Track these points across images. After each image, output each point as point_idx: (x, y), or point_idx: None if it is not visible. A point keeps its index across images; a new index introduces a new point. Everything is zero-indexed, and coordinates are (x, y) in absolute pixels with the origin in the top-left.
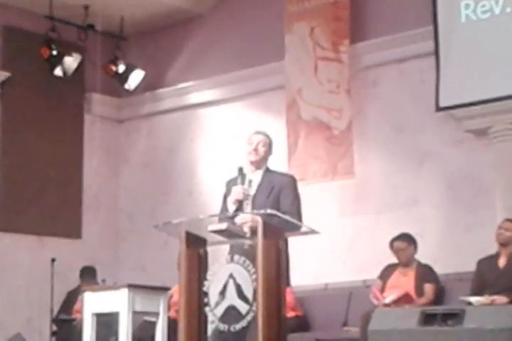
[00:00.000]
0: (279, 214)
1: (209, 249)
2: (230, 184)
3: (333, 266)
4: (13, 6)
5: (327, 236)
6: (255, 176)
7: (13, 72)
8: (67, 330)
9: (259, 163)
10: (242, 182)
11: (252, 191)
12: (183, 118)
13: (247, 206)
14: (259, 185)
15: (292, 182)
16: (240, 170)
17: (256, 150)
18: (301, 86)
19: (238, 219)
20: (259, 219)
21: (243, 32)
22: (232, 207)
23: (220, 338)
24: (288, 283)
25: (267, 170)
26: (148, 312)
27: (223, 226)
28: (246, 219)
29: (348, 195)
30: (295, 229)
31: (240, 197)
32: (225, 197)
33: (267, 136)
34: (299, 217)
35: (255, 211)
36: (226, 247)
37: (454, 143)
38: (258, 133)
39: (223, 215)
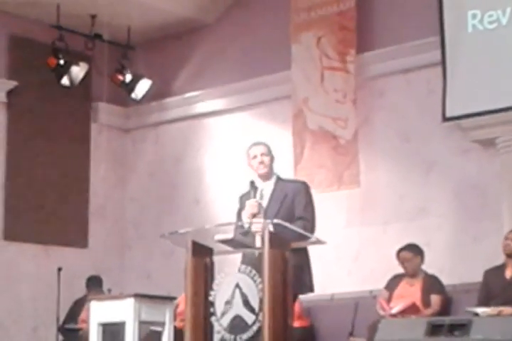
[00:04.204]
0: (286, 224)
1: (215, 258)
2: (243, 199)
3: (340, 276)
4: (20, 15)
5: (333, 246)
6: (267, 187)
7: (20, 81)
8: (73, 340)
9: (268, 173)
10: (255, 196)
11: (265, 202)
12: (190, 128)
13: (260, 218)
14: (272, 195)
15: (305, 187)
16: (252, 183)
17: (262, 162)
18: (307, 95)
19: (254, 227)
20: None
21: (250, 41)
22: (247, 222)
23: None
24: (312, 289)
25: (279, 179)
26: (155, 321)
27: (230, 236)
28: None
29: (355, 204)
30: (305, 238)
31: (255, 210)
32: (239, 212)
33: (265, 144)
34: (313, 222)
35: (263, 220)
36: (233, 257)
37: (460, 153)
38: (254, 144)
39: (237, 224)
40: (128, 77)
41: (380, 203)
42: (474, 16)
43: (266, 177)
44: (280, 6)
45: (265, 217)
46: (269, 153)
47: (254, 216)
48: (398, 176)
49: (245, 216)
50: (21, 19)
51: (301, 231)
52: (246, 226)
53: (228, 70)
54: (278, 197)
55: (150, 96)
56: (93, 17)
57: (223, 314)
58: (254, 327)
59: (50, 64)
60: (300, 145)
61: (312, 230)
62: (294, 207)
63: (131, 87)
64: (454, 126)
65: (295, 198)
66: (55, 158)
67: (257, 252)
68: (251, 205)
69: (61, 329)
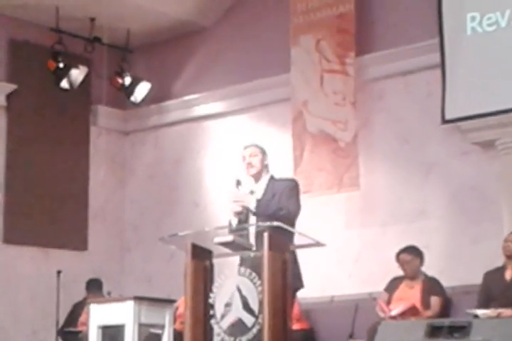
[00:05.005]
0: (285, 226)
1: (215, 261)
2: None
3: (339, 279)
4: (19, 18)
5: (333, 249)
6: (259, 187)
7: (19, 84)
8: None
9: (259, 174)
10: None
11: (253, 203)
12: (189, 131)
13: (250, 217)
14: (262, 196)
15: (293, 184)
16: (237, 182)
17: (249, 163)
18: (306, 98)
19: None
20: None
21: (249, 44)
22: (234, 220)
23: None
24: (302, 285)
25: (271, 179)
26: (154, 324)
27: (229, 238)
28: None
29: (354, 206)
30: (292, 238)
31: (238, 209)
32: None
33: (257, 146)
34: (293, 213)
35: (261, 223)
36: (233, 259)
37: (460, 155)
38: (246, 146)
39: (231, 228)
40: (127, 80)
41: (380, 205)
42: (473, 19)
43: (257, 177)
44: (279, 8)
45: (257, 219)
46: (258, 153)
47: (239, 214)
48: (397, 178)
49: (231, 216)
50: (20, 22)
51: (297, 231)
52: (233, 228)
53: (227, 73)
54: (267, 197)
55: (149, 99)
56: (92, 20)
57: (223, 316)
58: (254, 330)
59: (50, 67)
60: (300, 148)
61: (289, 220)
62: (280, 202)
63: (130, 89)
64: (454, 128)
65: (282, 195)
66: (55, 161)
67: (256, 254)
68: (233, 205)
69: (61, 333)
